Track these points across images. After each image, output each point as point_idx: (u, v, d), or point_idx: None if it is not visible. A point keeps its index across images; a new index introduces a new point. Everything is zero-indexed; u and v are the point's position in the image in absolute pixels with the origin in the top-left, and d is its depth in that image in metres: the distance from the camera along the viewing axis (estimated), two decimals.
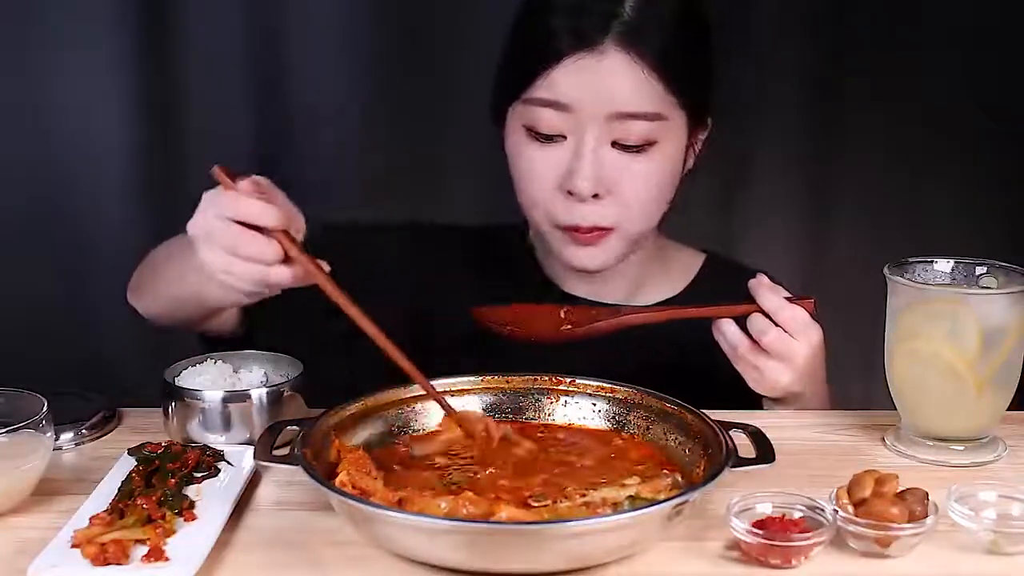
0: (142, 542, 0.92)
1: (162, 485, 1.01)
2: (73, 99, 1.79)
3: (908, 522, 0.93)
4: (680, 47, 1.26)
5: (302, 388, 1.17)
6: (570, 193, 1.26)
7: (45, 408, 1.02)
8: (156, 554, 0.90)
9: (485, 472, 1.05)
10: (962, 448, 1.15)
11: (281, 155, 1.84)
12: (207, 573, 0.90)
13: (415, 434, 1.13)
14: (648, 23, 1.23)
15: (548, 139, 1.26)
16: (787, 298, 1.20)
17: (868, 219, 1.97)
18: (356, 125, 1.86)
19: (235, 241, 1.03)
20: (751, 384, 1.22)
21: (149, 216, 1.83)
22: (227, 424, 1.13)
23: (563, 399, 1.17)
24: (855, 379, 1.68)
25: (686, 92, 1.26)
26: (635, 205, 1.28)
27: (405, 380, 1.10)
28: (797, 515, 0.95)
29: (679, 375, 1.20)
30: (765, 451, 1.01)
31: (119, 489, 1.01)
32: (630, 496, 0.99)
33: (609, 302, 1.37)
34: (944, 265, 1.18)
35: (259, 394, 1.14)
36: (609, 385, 1.16)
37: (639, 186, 1.27)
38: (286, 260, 1.04)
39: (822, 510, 0.95)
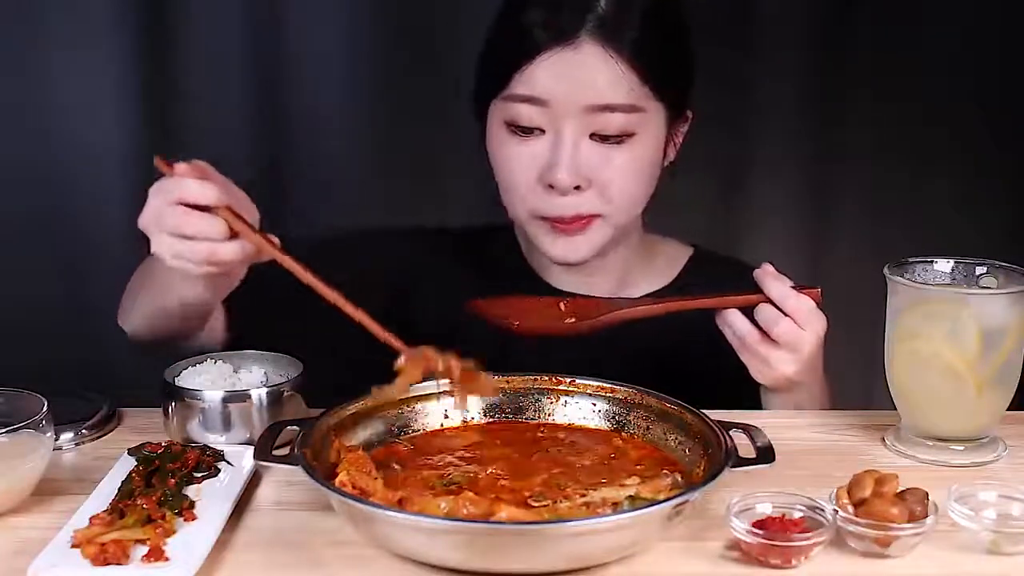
0: (142, 542, 0.92)
1: (162, 485, 1.01)
2: (73, 99, 1.79)
3: (908, 522, 0.93)
4: (655, 40, 1.26)
5: (302, 388, 1.17)
6: (551, 187, 1.26)
7: (45, 408, 1.02)
8: (156, 554, 0.90)
9: (485, 472, 1.05)
10: (962, 448, 1.15)
11: (281, 155, 1.84)
12: (207, 573, 0.90)
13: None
14: (622, 16, 1.24)
15: (527, 132, 1.27)
16: (792, 287, 1.19)
17: (868, 219, 1.97)
18: (356, 125, 1.86)
19: (178, 222, 1.03)
20: (755, 375, 1.22)
21: None
22: (227, 424, 1.13)
23: (563, 399, 1.17)
24: (855, 378, 1.68)
25: (662, 84, 1.27)
26: (616, 196, 1.28)
27: None
28: (797, 515, 0.95)
29: (674, 369, 1.20)
30: (765, 451, 1.01)
31: (119, 489, 1.02)
32: (630, 496, 0.99)
33: (596, 295, 1.36)
34: (944, 265, 1.18)
35: (259, 394, 1.14)
36: (609, 385, 1.16)
37: (619, 177, 1.27)
38: (234, 237, 1.04)
39: (822, 510, 0.95)
